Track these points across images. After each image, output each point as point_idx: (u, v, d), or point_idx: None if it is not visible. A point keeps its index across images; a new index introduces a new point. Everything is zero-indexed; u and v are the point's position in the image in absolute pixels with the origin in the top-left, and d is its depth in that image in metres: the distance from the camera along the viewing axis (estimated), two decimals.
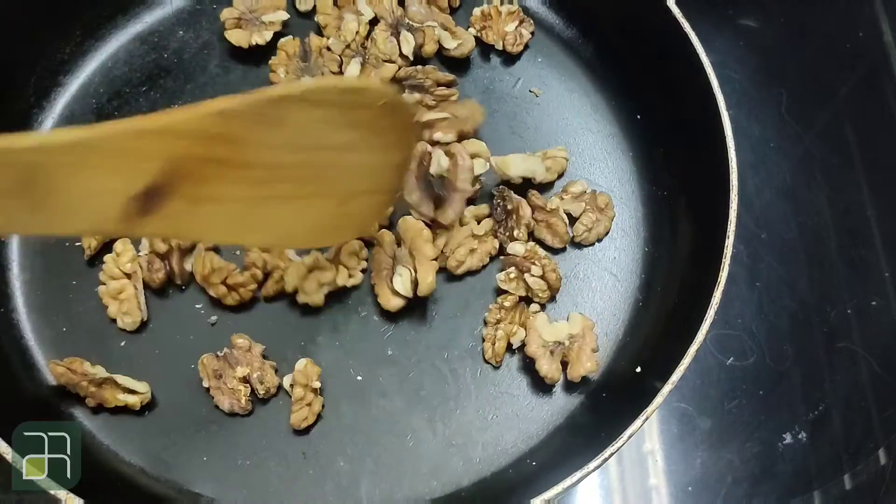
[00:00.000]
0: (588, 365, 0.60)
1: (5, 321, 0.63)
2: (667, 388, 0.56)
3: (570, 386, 0.63)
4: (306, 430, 0.60)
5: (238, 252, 0.65)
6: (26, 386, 0.61)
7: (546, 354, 0.61)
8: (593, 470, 0.54)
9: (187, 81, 0.72)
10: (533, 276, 0.63)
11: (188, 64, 0.73)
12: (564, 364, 0.62)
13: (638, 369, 0.61)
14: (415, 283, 0.62)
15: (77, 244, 0.65)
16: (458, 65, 0.74)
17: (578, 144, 0.72)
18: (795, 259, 0.78)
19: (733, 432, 0.71)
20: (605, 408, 0.62)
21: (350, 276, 0.64)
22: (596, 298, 0.67)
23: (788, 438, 0.71)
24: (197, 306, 0.64)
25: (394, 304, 0.63)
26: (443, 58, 0.73)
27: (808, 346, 0.74)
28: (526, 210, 0.66)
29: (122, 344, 0.63)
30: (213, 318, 0.64)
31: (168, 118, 0.43)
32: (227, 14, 0.72)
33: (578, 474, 0.53)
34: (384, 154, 0.54)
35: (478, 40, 0.74)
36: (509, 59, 0.75)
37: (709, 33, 0.88)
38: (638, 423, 0.55)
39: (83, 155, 0.40)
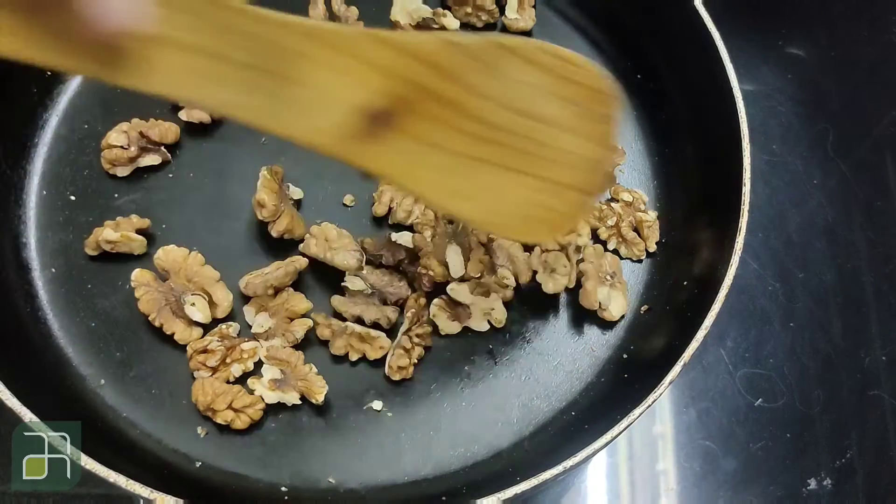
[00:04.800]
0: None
1: (33, 319, 0.62)
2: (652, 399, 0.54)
3: (569, 386, 0.64)
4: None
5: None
6: (54, 382, 0.60)
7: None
8: (581, 463, 0.52)
9: None
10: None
11: None
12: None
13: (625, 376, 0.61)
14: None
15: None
16: None
17: None
18: (832, 301, 0.76)
19: (757, 474, 0.70)
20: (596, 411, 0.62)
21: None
22: None
23: (813, 484, 0.70)
24: None
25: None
26: None
27: (838, 392, 0.73)
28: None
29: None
30: None
31: (404, 36, 0.44)
32: None
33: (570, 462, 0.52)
34: (588, 144, 0.53)
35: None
36: None
37: (755, 62, 0.87)
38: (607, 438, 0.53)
39: (322, 48, 0.40)
